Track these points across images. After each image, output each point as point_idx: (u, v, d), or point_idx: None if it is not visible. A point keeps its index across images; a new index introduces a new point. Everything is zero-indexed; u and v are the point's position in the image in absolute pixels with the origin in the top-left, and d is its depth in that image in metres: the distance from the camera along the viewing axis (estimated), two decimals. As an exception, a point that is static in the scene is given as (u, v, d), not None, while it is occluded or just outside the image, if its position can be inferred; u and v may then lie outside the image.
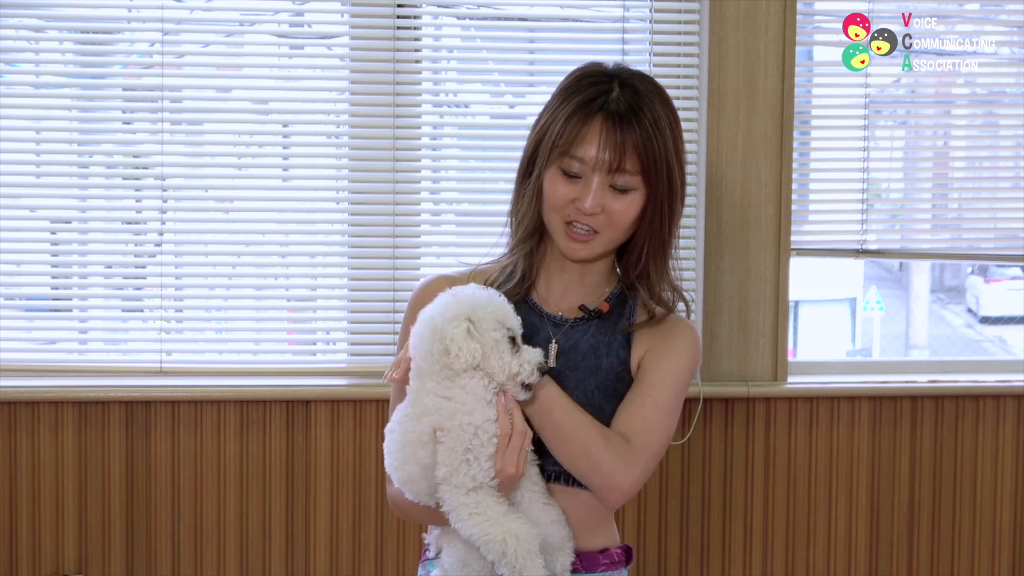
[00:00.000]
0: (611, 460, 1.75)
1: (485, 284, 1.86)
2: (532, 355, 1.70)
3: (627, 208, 1.78)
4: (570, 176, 1.77)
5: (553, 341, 1.84)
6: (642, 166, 1.76)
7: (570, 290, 1.88)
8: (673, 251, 1.86)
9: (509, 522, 1.67)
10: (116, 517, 3.11)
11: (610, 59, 1.84)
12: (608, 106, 1.75)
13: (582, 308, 1.87)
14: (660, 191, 1.78)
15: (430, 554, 1.89)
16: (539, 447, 1.78)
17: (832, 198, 3.37)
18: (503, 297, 1.73)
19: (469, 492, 1.68)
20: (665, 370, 1.83)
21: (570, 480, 1.81)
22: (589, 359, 1.84)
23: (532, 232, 1.84)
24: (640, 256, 1.84)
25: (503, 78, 3.36)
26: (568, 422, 1.75)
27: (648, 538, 3.21)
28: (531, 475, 1.76)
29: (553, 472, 1.80)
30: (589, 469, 1.75)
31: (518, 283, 1.86)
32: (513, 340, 1.69)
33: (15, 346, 3.17)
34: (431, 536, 1.88)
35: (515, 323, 1.71)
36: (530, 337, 1.82)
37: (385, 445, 1.75)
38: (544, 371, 1.71)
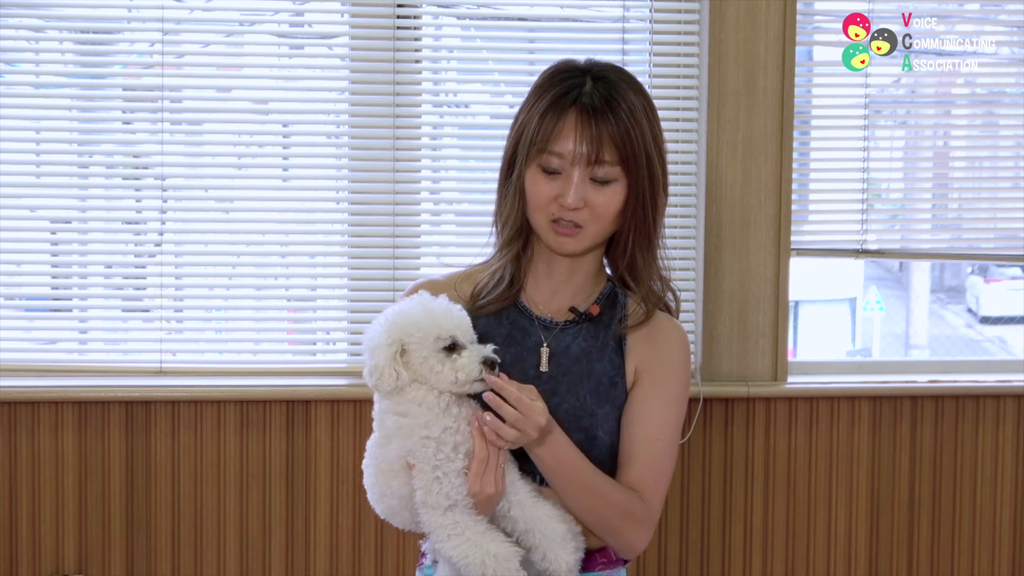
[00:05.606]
0: (631, 529, 1.78)
1: (473, 288, 1.87)
2: (472, 356, 1.68)
3: (609, 200, 1.77)
4: (550, 172, 1.77)
5: (544, 344, 1.83)
6: (620, 156, 1.75)
7: (559, 292, 1.87)
8: (661, 242, 1.85)
9: (487, 542, 1.66)
10: (116, 517, 3.11)
11: (583, 57, 1.83)
12: (582, 99, 1.75)
13: (572, 310, 1.86)
14: (641, 181, 1.77)
15: (427, 561, 1.88)
16: (518, 452, 1.76)
17: (832, 198, 3.37)
18: (447, 304, 1.71)
19: (446, 512, 1.67)
20: (669, 404, 1.83)
21: None
22: (581, 363, 1.83)
23: (518, 233, 1.84)
24: (626, 248, 1.83)
25: (503, 78, 3.36)
26: (581, 488, 1.74)
27: (648, 538, 3.21)
28: (513, 479, 1.73)
29: (541, 476, 1.78)
30: (610, 538, 1.80)
31: (507, 287, 1.85)
32: (452, 348, 1.68)
33: (15, 346, 3.17)
34: (427, 544, 1.88)
35: (454, 330, 1.68)
36: (520, 341, 1.83)
37: (364, 481, 1.76)
38: (490, 363, 1.67)
